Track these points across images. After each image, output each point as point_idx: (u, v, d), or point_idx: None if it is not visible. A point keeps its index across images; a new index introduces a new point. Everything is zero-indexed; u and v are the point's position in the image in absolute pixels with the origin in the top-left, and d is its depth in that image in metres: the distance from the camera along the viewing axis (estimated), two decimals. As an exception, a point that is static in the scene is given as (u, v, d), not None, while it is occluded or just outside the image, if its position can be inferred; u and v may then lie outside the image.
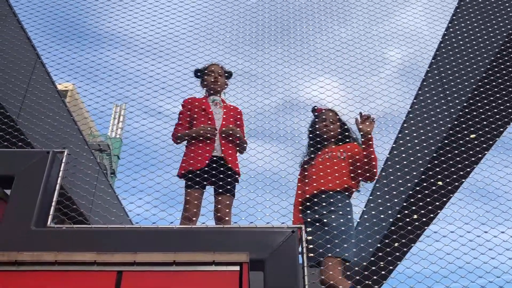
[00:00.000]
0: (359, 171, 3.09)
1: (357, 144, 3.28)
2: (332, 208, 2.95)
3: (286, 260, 2.10)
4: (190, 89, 3.71)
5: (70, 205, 3.00)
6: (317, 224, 2.91)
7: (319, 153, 3.30)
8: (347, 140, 3.33)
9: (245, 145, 3.48)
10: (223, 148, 3.28)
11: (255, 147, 3.26)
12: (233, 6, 4.26)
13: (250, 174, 3.15)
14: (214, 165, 3.10)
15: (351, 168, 3.14)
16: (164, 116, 3.58)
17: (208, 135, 3.25)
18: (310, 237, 2.69)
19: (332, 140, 3.36)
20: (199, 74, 3.68)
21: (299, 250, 2.24)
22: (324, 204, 2.97)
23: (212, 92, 3.59)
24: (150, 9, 4.23)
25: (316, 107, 3.47)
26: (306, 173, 3.27)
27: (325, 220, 2.90)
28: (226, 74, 3.69)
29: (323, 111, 3.44)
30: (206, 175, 3.06)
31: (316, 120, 3.43)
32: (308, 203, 3.04)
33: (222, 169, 3.12)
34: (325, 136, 3.33)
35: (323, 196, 3.00)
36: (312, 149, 3.34)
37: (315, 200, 3.01)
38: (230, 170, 3.18)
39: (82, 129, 7.75)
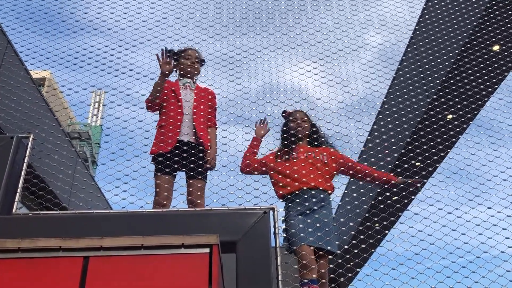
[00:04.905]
0: (347, 173, 3.36)
1: (333, 149, 3.44)
2: (323, 204, 3.12)
3: (258, 242, 2.07)
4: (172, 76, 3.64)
5: (49, 196, 2.93)
6: (307, 212, 3.05)
7: (294, 146, 3.38)
8: (322, 140, 3.49)
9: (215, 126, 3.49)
10: (200, 132, 3.23)
11: (227, 128, 3.24)
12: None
13: (223, 156, 3.13)
14: (184, 148, 3.07)
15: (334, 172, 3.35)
16: (141, 102, 3.52)
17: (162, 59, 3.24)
18: (301, 226, 2.91)
19: (306, 135, 3.49)
20: (175, 57, 3.61)
21: (273, 231, 2.22)
22: (314, 200, 3.10)
23: (187, 75, 3.55)
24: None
25: (285, 111, 3.61)
26: (279, 168, 3.31)
27: (315, 208, 3.05)
28: (201, 62, 3.67)
29: (293, 111, 3.57)
30: (174, 160, 3.02)
31: (288, 120, 3.56)
32: (296, 197, 3.12)
33: (192, 151, 3.08)
34: (299, 129, 3.44)
35: (313, 193, 3.11)
36: (286, 142, 3.42)
37: (305, 195, 3.11)
38: (201, 153, 3.14)
39: (61, 117, 7.60)
